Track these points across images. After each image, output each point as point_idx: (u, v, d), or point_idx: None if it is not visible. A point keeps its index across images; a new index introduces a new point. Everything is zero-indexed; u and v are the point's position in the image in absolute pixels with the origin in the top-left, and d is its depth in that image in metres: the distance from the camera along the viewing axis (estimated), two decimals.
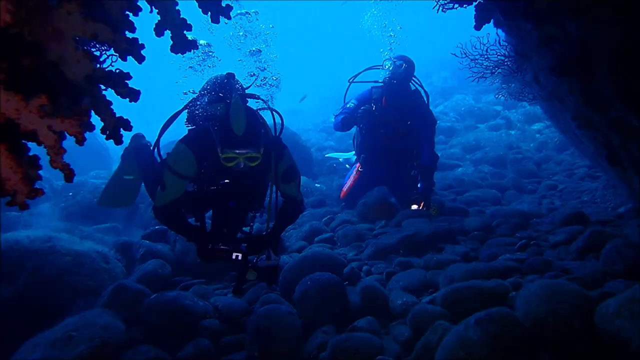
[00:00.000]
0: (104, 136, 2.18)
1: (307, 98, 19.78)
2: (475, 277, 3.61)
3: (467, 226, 5.07)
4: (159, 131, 3.99)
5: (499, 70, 4.84)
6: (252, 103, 3.94)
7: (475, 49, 4.71)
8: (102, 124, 2.30)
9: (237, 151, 3.49)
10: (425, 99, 6.30)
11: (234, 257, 3.72)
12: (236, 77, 3.98)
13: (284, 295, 4.05)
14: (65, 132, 1.69)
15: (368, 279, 4.11)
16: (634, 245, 3.45)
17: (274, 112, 3.82)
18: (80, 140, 1.73)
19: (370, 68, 6.56)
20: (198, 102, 4.10)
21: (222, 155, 3.50)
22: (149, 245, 5.03)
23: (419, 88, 6.32)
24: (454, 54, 4.85)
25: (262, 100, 3.92)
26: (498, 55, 4.65)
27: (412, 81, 6.31)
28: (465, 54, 4.75)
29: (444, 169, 8.78)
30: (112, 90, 2.27)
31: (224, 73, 4.02)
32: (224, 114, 3.53)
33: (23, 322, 3.83)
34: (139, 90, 2.29)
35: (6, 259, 4.20)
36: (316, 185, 8.31)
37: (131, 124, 2.34)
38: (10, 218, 6.64)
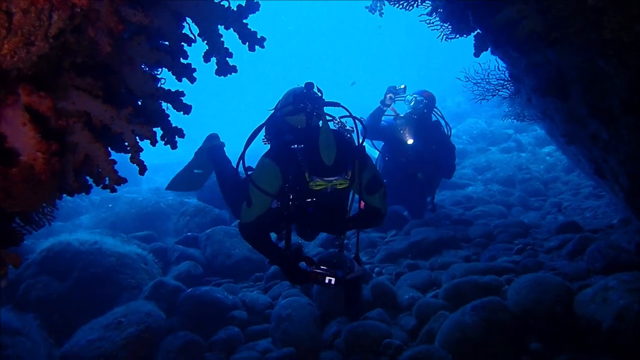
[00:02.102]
0: None
1: None
2: (473, 274, 4.07)
3: (471, 234, 5.50)
4: (243, 145, 3.91)
5: (501, 92, 5.31)
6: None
7: (477, 73, 5.20)
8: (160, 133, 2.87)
9: (326, 179, 3.38)
10: (445, 129, 6.53)
11: (327, 281, 3.55)
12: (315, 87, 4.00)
13: (303, 290, 4.52)
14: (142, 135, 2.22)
15: (379, 278, 4.56)
16: (614, 246, 3.87)
17: (356, 120, 3.74)
18: (154, 143, 2.26)
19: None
20: (277, 115, 4.08)
21: (310, 182, 3.40)
22: (183, 249, 5.59)
23: (440, 119, 6.58)
24: (459, 78, 5.36)
25: (345, 108, 3.85)
26: (498, 79, 5.14)
27: (434, 112, 6.57)
28: (468, 78, 5.24)
29: (455, 187, 9.10)
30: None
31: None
32: (312, 145, 3.38)
33: (75, 312, 4.37)
34: (190, 105, 2.84)
35: (60, 259, 4.79)
36: None
37: (184, 133, 2.91)
38: (55, 228, 7.21)
